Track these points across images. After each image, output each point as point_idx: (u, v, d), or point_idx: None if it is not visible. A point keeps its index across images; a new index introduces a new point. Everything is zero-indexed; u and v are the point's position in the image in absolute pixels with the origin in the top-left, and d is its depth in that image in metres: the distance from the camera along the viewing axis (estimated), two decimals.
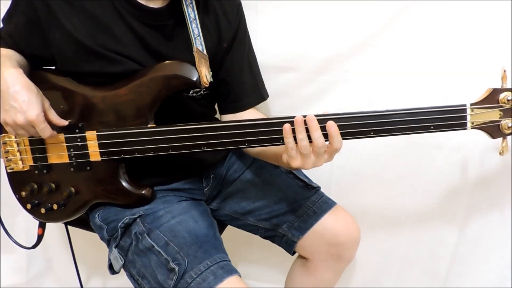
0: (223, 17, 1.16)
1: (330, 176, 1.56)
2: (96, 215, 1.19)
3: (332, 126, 0.97)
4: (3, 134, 1.15)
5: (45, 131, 1.05)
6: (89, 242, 1.46)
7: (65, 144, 1.12)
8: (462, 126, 1.00)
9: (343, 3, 1.33)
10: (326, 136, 0.98)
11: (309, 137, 0.97)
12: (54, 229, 1.73)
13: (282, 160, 1.03)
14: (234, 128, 1.04)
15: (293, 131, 0.98)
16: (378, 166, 1.52)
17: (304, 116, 0.97)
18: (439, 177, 1.50)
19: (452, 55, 1.32)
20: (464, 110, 0.99)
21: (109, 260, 1.16)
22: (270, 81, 1.36)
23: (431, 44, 1.33)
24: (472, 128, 1.00)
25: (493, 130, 1.01)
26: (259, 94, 1.27)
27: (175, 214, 1.15)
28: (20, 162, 1.16)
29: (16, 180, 1.20)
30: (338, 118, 0.98)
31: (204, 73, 1.08)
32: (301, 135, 0.97)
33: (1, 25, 1.18)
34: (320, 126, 0.97)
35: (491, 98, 0.99)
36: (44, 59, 1.13)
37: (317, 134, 0.97)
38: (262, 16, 1.38)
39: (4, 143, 1.16)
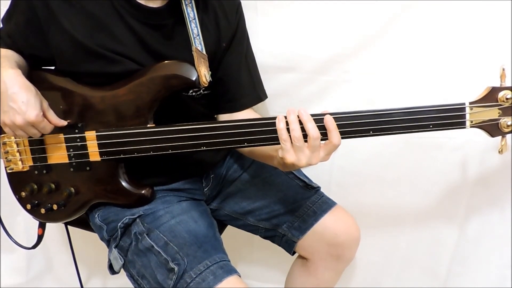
0: (222, 17, 1.15)
1: (330, 176, 1.56)
2: (96, 215, 1.19)
3: (329, 120, 0.97)
4: (3, 135, 1.15)
5: (46, 129, 1.06)
6: (89, 242, 1.46)
7: (64, 144, 1.13)
8: (461, 124, 1.00)
9: (343, 3, 1.33)
10: (324, 135, 0.98)
11: (304, 133, 0.97)
12: (54, 229, 1.74)
13: (277, 156, 1.02)
14: (233, 127, 1.04)
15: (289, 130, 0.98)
16: (378, 166, 1.52)
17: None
18: (439, 177, 1.50)
19: (451, 54, 1.32)
20: (463, 109, 0.99)
21: (109, 260, 1.17)
22: (270, 81, 1.36)
23: (431, 43, 1.33)
24: (471, 127, 1.01)
25: (492, 128, 1.01)
26: (256, 95, 1.27)
27: (175, 214, 1.15)
28: (19, 163, 1.16)
29: (16, 180, 1.20)
30: (338, 117, 0.99)
31: (203, 73, 1.08)
32: (294, 125, 0.97)
33: (1, 25, 1.18)
34: (318, 126, 0.97)
35: (490, 96, 0.99)
36: (43, 59, 1.13)
37: (310, 124, 0.96)
38: (262, 16, 1.38)
39: (4, 143, 1.16)
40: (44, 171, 1.16)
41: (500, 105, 0.99)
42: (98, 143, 1.10)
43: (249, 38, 1.27)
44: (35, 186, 1.17)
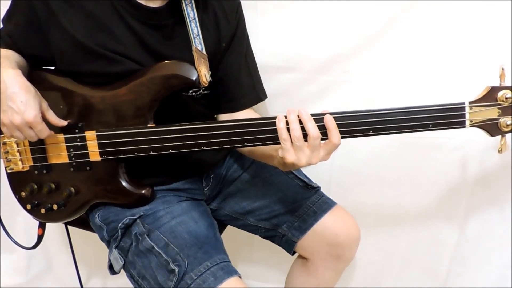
0: (222, 17, 1.16)
1: (330, 176, 1.56)
2: (96, 215, 1.19)
3: (329, 120, 0.97)
4: (3, 135, 1.15)
5: (43, 132, 1.05)
6: (89, 242, 1.46)
7: (64, 144, 1.13)
8: (460, 124, 1.00)
9: (343, 3, 1.33)
10: (324, 134, 0.98)
11: (304, 133, 0.97)
12: (54, 229, 1.73)
13: (277, 156, 1.02)
14: (233, 127, 1.04)
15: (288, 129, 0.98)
16: (378, 166, 1.52)
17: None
18: (439, 177, 1.50)
19: (452, 54, 1.32)
20: (463, 108, 0.99)
21: (109, 260, 1.17)
22: (269, 81, 1.36)
23: (431, 43, 1.33)
24: (470, 126, 1.01)
25: (491, 128, 1.01)
26: (255, 95, 1.27)
27: (175, 215, 1.15)
28: (20, 163, 1.16)
29: (16, 180, 1.20)
30: (338, 117, 0.99)
31: (203, 73, 1.08)
32: (294, 125, 0.97)
33: (1, 25, 1.18)
34: (318, 125, 0.97)
35: (490, 96, 0.99)
36: (43, 59, 1.13)
37: (310, 124, 0.97)
38: (262, 16, 1.38)
39: (4, 143, 1.16)
40: (44, 171, 1.16)
41: (500, 104, 0.99)
42: (98, 143, 1.10)
43: (249, 38, 1.27)
44: (35, 186, 1.17)
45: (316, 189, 1.33)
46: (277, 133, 0.99)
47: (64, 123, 1.10)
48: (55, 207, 1.15)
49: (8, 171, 1.18)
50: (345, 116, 0.99)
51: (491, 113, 1.00)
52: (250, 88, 1.25)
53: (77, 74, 1.11)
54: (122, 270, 1.16)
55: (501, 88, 0.99)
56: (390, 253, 1.66)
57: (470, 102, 1.00)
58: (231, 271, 1.06)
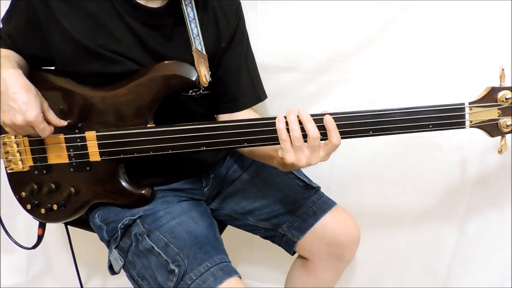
0: (222, 17, 1.15)
1: (330, 176, 1.56)
2: (96, 216, 1.19)
3: (329, 120, 0.97)
4: (3, 135, 1.15)
5: (45, 131, 1.05)
6: (89, 242, 1.46)
7: (64, 145, 1.13)
8: (460, 124, 1.00)
9: (343, 3, 1.33)
10: (324, 135, 0.98)
11: (304, 133, 0.97)
12: (54, 229, 1.74)
13: (277, 156, 1.02)
14: (233, 128, 1.04)
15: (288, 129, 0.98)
16: (378, 166, 1.52)
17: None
18: (439, 177, 1.49)
19: (452, 55, 1.32)
20: (463, 109, 0.99)
21: (109, 260, 1.17)
22: (269, 81, 1.36)
23: (431, 44, 1.33)
24: (470, 127, 1.01)
25: (491, 128, 1.01)
26: (255, 95, 1.27)
27: (175, 215, 1.15)
28: (20, 163, 1.16)
29: (16, 180, 1.20)
30: (337, 117, 0.99)
31: (203, 73, 1.08)
32: (293, 125, 0.97)
33: (1, 26, 1.18)
34: (318, 126, 0.97)
35: (490, 96, 0.99)
36: (43, 59, 1.13)
37: (310, 125, 0.97)
38: (262, 16, 1.38)
39: (4, 143, 1.16)
40: (44, 171, 1.16)
41: (500, 105, 0.99)
42: (98, 143, 1.10)
43: (249, 38, 1.27)
44: (35, 186, 1.17)
45: (316, 189, 1.33)
46: (277, 134, 0.99)
47: (64, 123, 1.10)
48: (55, 207, 1.15)
49: (8, 171, 1.19)
50: (345, 116, 0.99)
51: (491, 113, 1.00)
52: (250, 88, 1.25)
53: (77, 74, 1.11)
54: (122, 270, 1.16)
55: (501, 88, 0.99)
56: (390, 253, 1.66)
57: (470, 103, 0.99)
58: (230, 271, 1.06)
